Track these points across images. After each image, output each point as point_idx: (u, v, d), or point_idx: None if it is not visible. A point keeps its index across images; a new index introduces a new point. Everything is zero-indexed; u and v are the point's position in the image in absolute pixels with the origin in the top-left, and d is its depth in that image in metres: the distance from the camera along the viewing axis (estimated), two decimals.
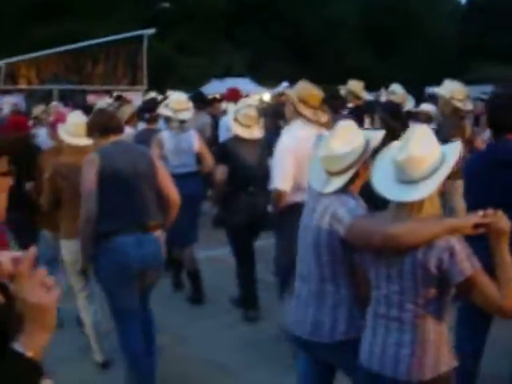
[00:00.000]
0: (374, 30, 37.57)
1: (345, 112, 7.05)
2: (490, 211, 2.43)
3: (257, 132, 5.88)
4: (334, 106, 6.63)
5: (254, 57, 32.34)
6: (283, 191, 4.59)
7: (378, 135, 2.95)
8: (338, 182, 2.88)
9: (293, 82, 11.88)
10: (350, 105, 7.51)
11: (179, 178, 5.03)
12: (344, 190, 2.90)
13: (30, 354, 1.41)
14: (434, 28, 38.21)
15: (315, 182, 3.01)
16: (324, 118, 4.75)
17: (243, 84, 18.38)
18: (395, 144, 2.67)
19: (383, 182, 2.62)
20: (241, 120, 5.83)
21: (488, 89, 14.62)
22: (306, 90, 4.75)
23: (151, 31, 17.10)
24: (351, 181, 2.89)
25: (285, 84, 14.25)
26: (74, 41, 17.19)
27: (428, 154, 2.49)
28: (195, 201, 6.27)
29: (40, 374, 1.44)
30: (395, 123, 4.59)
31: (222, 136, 7.84)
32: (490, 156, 3.67)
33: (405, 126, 3.97)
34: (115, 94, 13.83)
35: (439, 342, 2.58)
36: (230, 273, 6.23)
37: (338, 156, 2.85)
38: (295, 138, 4.63)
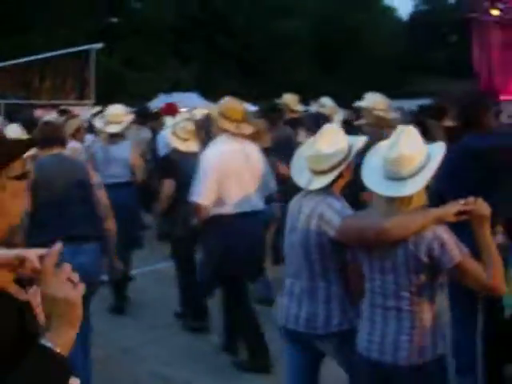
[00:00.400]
0: (320, 46, 38.23)
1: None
2: (470, 199, 2.67)
3: (194, 145, 5.94)
4: (271, 118, 6.91)
5: (202, 71, 32.46)
6: (202, 205, 4.75)
7: (361, 140, 3.22)
8: (324, 181, 3.10)
9: (240, 96, 11.99)
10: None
11: (110, 188, 4.95)
12: (327, 190, 3.13)
13: (57, 349, 1.41)
14: (376, 43, 39.05)
15: (300, 180, 3.20)
16: (248, 130, 4.97)
17: (190, 98, 18.52)
18: (383, 143, 2.87)
19: (373, 178, 2.80)
20: (179, 133, 6.00)
21: (427, 102, 15.09)
22: (228, 104, 4.97)
23: (99, 46, 16.97)
24: (335, 180, 3.11)
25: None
26: (21, 55, 16.98)
27: (416, 153, 2.72)
28: (127, 210, 6.18)
29: (69, 371, 1.45)
30: None
31: (161, 150, 7.94)
32: (463, 150, 3.95)
33: None
34: (61, 108, 13.72)
35: (434, 327, 2.79)
36: (175, 285, 6.28)
37: (324, 155, 3.07)
38: (219, 153, 4.83)
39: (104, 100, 18.15)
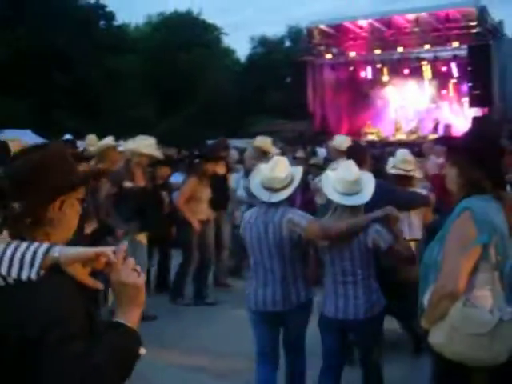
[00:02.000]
0: (157, 84, 38.02)
1: None
2: (388, 207, 4.01)
3: None
4: None
5: (38, 108, 30.96)
6: None
7: (300, 171, 4.46)
8: (282, 195, 4.20)
9: (77, 133, 11.42)
10: None
11: None
12: (285, 203, 4.24)
13: (130, 325, 1.79)
14: (214, 84, 39.64)
15: (262, 196, 4.25)
16: None
17: (23, 135, 17.37)
18: (335, 168, 4.49)
19: (335, 195, 4.07)
20: None
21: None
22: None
23: None
24: (289, 197, 4.26)
25: (68, 136, 13.76)
26: None
27: (360, 175, 4.11)
28: None
29: (140, 342, 1.81)
30: None
31: None
32: None
33: None
34: None
35: (376, 292, 4.10)
36: None
37: (280, 178, 4.19)
38: None
39: None
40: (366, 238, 3.98)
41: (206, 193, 7.72)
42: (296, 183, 4.27)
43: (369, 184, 4.12)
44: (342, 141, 8.10)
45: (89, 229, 6.12)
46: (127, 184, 6.88)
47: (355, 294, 4.04)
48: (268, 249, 4.24)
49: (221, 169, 8.24)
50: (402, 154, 5.89)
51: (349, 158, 5.52)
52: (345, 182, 4.04)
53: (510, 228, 2.87)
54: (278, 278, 4.23)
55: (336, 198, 4.08)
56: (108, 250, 1.80)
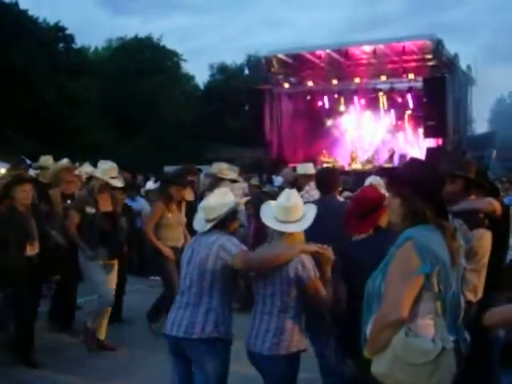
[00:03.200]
0: (114, 110, 37.64)
1: None
2: (324, 246, 3.95)
3: None
4: None
5: None
6: None
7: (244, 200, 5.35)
8: (211, 224, 4.16)
9: (34, 156, 11.12)
10: None
11: None
12: (221, 231, 4.17)
13: None
14: (172, 109, 39.48)
15: (198, 226, 4.28)
16: None
17: None
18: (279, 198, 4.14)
19: (273, 222, 4.01)
20: None
21: None
22: None
23: None
24: (224, 225, 4.21)
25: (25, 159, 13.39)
26: None
27: (300, 203, 4.09)
28: None
29: None
30: None
31: None
32: (323, 207, 4.60)
33: None
34: None
35: (293, 330, 3.88)
36: None
37: (213, 207, 4.19)
38: None
39: None
40: (287, 267, 3.85)
41: (175, 218, 7.39)
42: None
43: (309, 213, 4.05)
44: (308, 166, 8.21)
45: (31, 251, 6.13)
46: (89, 210, 6.73)
47: (267, 327, 3.88)
48: (191, 269, 4.19)
49: (188, 194, 8.08)
50: (374, 180, 5.87)
51: (319, 181, 5.72)
52: (283, 208, 4.00)
53: (452, 257, 2.90)
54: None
55: (272, 224, 4.02)
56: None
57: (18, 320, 6.30)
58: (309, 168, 8.16)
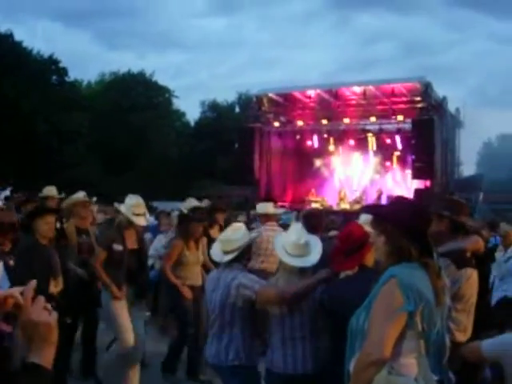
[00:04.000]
0: (104, 144, 37.69)
1: None
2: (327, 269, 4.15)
3: None
4: None
5: None
6: None
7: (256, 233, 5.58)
8: (229, 257, 4.52)
9: (20, 187, 11.05)
10: None
11: None
12: (238, 265, 4.57)
13: (44, 365, 1.76)
14: (163, 146, 39.58)
15: (217, 258, 4.65)
16: None
17: None
18: (288, 233, 4.53)
19: (287, 257, 4.30)
20: None
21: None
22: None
23: None
24: (242, 257, 4.60)
25: (9, 189, 13.41)
26: None
27: (309, 238, 4.40)
28: None
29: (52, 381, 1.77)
30: None
31: None
32: None
33: None
34: None
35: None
36: None
37: (231, 240, 4.57)
38: None
39: None
40: (315, 296, 4.20)
41: (193, 256, 7.14)
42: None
43: (316, 247, 4.37)
44: (267, 206, 8.23)
45: (54, 288, 5.61)
46: (116, 247, 6.22)
47: (304, 349, 4.23)
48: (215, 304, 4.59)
49: (215, 233, 7.93)
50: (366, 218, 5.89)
51: (305, 222, 5.88)
52: (295, 244, 4.29)
53: (436, 296, 2.89)
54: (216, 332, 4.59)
55: (288, 259, 4.29)
56: (15, 290, 1.81)
57: None
58: (268, 207, 8.16)
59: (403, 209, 3.06)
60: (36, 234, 5.63)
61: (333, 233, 7.05)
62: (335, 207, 21.43)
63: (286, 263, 4.34)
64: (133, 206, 6.28)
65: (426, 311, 2.79)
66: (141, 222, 6.36)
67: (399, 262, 2.90)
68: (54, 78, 40.39)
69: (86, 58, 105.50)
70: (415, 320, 2.78)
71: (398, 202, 3.29)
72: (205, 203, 8.94)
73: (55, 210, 6.32)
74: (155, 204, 19.35)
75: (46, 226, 5.67)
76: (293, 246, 4.30)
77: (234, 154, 28.82)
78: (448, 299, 3.00)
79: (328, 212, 18.92)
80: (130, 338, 6.07)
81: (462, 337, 4.17)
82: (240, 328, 4.46)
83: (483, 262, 4.71)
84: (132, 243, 6.41)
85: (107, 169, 37.10)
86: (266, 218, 8.01)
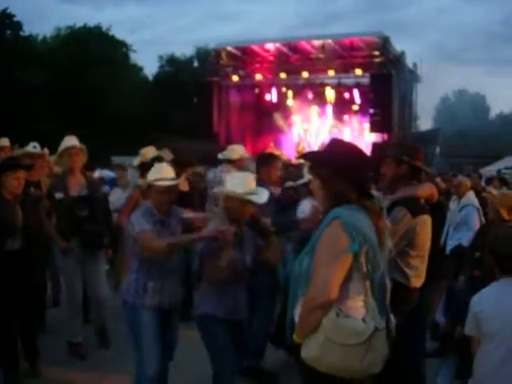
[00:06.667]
0: (62, 100, 36.83)
1: None
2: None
3: None
4: None
5: None
6: None
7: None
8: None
9: None
10: None
11: None
12: None
13: None
14: (121, 101, 38.90)
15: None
16: None
17: None
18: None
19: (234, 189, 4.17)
20: None
21: None
22: None
23: None
24: None
25: None
26: None
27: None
28: None
29: None
30: None
31: None
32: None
33: None
34: None
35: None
36: None
37: None
38: None
39: None
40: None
41: None
42: None
43: (263, 192, 4.28)
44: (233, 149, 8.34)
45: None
46: (58, 195, 6.12)
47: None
48: None
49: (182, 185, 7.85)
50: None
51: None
52: (246, 180, 4.22)
53: (379, 238, 2.89)
54: None
55: (235, 190, 4.16)
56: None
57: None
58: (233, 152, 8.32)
59: (338, 152, 3.01)
60: (1, 188, 5.46)
61: (289, 183, 7.08)
62: (294, 161, 21.48)
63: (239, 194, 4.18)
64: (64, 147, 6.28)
65: (370, 252, 2.78)
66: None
67: (338, 205, 2.86)
68: (8, 32, 39.11)
69: (42, 12, 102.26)
70: (360, 261, 2.77)
71: (333, 145, 3.13)
72: (165, 153, 8.61)
73: (28, 167, 6.09)
74: (114, 159, 19.04)
75: (16, 182, 5.48)
76: (241, 182, 4.21)
77: (193, 108, 28.53)
78: (389, 241, 2.98)
79: (287, 165, 18.98)
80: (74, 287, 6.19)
81: (417, 282, 4.20)
82: (135, 266, 4.47)
83: (436, 210, 4.76)
84: (79, 191, 6.20)
85: (65, 124, 36.36)
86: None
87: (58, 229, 6.12)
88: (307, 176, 5.76)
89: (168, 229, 4.44)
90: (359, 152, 3.07)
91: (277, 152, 22.09)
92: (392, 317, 2.99)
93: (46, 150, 7.47)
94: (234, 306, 4.26)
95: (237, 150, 8.36)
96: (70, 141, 6.36)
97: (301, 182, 6.54)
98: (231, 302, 4.25)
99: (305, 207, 5.65)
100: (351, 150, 3.05)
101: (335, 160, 2.94)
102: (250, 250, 4.32)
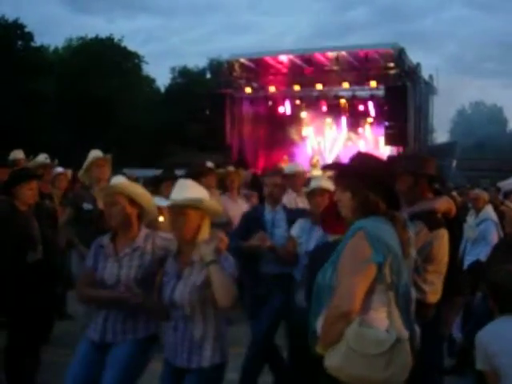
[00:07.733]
0: (72, 111, 36.93)
1: None
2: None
3: None
4: None
5: None
6: None
7: None
8: None
9: None
10: None
11: None
12: None
13: None
14: (132, 113, 38.96)
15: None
16: None
17: None
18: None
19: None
20: None
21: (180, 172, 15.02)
22: None
23: None
24: None
25: None
26: None
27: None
28: None
29: None
30: None
31: None
32: None
33: None
34: None
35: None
36: None
37: None
38: None
39: None
40: None
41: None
42: None
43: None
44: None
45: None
46: (87, 206, 6.17)
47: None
48: None
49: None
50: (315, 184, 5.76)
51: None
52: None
53: (403, 248, 2.92)
54: None
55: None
56: None
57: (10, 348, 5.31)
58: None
59: (367, 164, 3.06)
60: (15, 200, 5.37)
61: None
62: (307, 174, 21.29)
63: None
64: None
65: (394, 263, 2.80)
66: None
67: (365, 216, 2.92)
68: (20, 43, 39.31)
69: (53, 22, 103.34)
70: (384, 272, 2.79)
71: (360, 157, 3.20)
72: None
73: (40, 176, 6.16)
74: (126, 171, 18.98)
75: (30, 192, 5.44)
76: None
77: (206, 120, 28.43)
78: (414, 252, 3.07)
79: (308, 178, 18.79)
80: None
81: (433, 298, 4.11)
82: None
83: (454, 225, 4.56)
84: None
85: (75, 136, 36.45)
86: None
87: (80, 238, 6.09)
88: (313, 185, 5.48)
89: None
90: (386, 164, 3.19)
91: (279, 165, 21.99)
92: (417, 327, 2.99)
93: (55, 162, 7.64)
94: None
95: None
96: (97, 152, 6.57)
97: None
98: None
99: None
100: (379, 163, 3.14)
101: (365, 172, 3.01)
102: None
